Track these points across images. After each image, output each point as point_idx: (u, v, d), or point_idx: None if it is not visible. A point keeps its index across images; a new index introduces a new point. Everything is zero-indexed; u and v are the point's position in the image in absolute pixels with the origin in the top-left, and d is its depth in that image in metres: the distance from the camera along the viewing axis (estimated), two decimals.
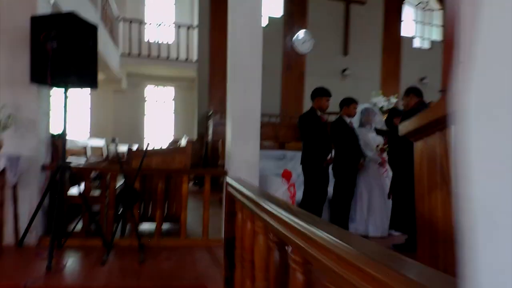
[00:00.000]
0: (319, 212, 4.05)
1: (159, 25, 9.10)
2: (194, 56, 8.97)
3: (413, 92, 3.77)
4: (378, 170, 4.41)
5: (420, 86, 10.49)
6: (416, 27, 11.06)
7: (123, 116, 9.09)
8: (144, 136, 9.72)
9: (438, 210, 1.63)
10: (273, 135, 7.57)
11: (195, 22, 9.19)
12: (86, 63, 2.91)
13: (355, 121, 4.50)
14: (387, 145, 4.45)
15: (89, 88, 3.08)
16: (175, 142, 6.03)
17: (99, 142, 5.67)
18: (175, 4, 10.03)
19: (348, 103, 4.27)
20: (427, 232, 1.71)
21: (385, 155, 4.43)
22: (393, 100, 6.20)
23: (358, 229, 4.26)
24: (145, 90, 9.82)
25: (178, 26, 8.92)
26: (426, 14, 11.19)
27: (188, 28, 9.07)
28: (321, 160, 3.83)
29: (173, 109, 10.01)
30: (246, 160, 3.65)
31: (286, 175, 3.63)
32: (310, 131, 3.81)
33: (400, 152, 3.62)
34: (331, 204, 4.22)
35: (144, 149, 3.12)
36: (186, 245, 3.57)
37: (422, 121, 1.69)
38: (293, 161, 4.58)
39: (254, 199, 1.54)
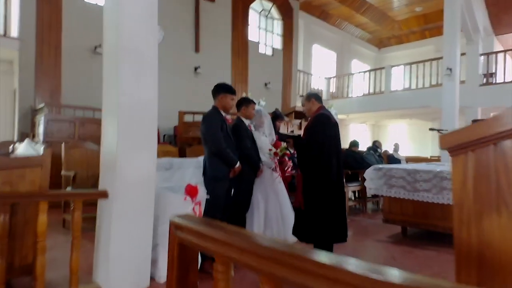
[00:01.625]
0: None
1: None
2: (14, 31, 6.80)
3: (314, 97, 3.60)
4: (272, 175, 4.10)
5: (265, 90, 11.09)
6: (260, 33, 11.51)
7: None
8: None
9: (495, 237, 1.32)
10: None
11: None
12: None
13: None
14: (278, 149, 4.19)
15: None
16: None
17: None
18: None
19: (247, 103, 3.79)
20: (474, 262, 1.39)
21: (276, 159, 4.17)
22: (263, 103, 6.06)
23: None
24: None
25: None
26: (269, 22, 11.79)
27: None
28: (229, 169, 3.22)
29: None
30: (139, 175, 2.72)
31: (192, 192, 2.87)
32: (218, 135, 3.15)
33: (308, 158, 3.36)
34: (228, 218, 3.65)
35: None
36: None
37: (471, 134, 1.36)
38: (182, 169, 3.79)
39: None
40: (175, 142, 8.11)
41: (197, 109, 7.86)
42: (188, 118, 7.60)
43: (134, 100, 2.70)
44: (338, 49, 15.52)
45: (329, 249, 3.47)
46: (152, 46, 2.88)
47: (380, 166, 4.64)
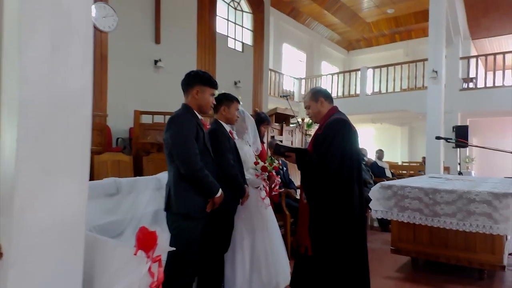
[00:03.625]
0: None
1: None
2: None
3: (323, 95, 2.64)
4: (258, 198, 3.09)
5: (235, 89, 10.08)
6: (229, 26, 10.47)
7: None
8: None
9: None
10: None
11: None
12: None
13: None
14: (266, 162, 3.19)
15: None
16: None
17: None
18: None
19: (229, 102, 2.76)
20: None
21: (265, 176, 3.16)
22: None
23: None
24: None
25: None
26: (238, 15, 10.78)
27: None
28: (207, 200, 2.18)
29: None
30: (56, 218, 1.61)
31: (147, 241, 1.78)
32: (192, 150, 2.09)
33: (319, 183, 2.39)
34: (202, 272, 2.59)
35: None
36: None
37: None
38: (134, 194, 2.69)
39: None
40: (131, 147, 6.88)
41: (158, 108, 6.70)
42: (146, 119, 6.40)
43: (49, 91, 1.59)
44: (308, 50, 14.83)
45: None
46: (84, 10, 1.77)
47: (389, 183, 3.77)
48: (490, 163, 11.77)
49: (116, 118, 7.21)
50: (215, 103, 2.41)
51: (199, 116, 2.26)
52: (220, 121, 2.73)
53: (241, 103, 4.09)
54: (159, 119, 6.41)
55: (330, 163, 2.29)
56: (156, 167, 4.73)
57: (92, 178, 4.57)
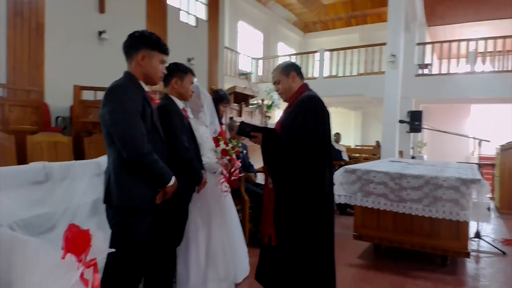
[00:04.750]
0: None
1: None
2: None
3: (294, 70, 2.35)
4: (216, 184, 2.75)
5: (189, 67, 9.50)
6: None
7: None
8: None
9: None
10: None
11: None
12: None
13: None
14: (229, 145, 2.86)
15: None
16: None
17: None
18: None
19: (182, 74, 2.38)
20: None
21: (226, 160, 2.83)
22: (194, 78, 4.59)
23: None
24: None
25: None
26: None
27: None
28: (156, 190, 1.80)
29: None
30: None
31: (78, 242, 1.40)
32: (137, 129, 1.69)
33: (287, 165, 2.10)
34: (149, 271, 2.23)
35: None
36: None
37: None
38: (68, 181, 2.24)
39: None
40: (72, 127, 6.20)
41: (102, 84, 6.07)
42: (88, 95, 5.75)
43: None
44: (265, 30, 14.45)
45: None
46: None
47: (354, 167, 3.59)
48: (440, 148, 12.32)
49: (55, 95, 6.43)
50: (165, 72, 2.01)
51: (146, 88, 1.85)
52: (172, 96, 2.33)
53: (196, 78, 3.65)
54: (102, 95, 5.79)
55: (302, 143, 2.02)
56: (99, 149, 4.21)
57: (24, 161, 3.97)
